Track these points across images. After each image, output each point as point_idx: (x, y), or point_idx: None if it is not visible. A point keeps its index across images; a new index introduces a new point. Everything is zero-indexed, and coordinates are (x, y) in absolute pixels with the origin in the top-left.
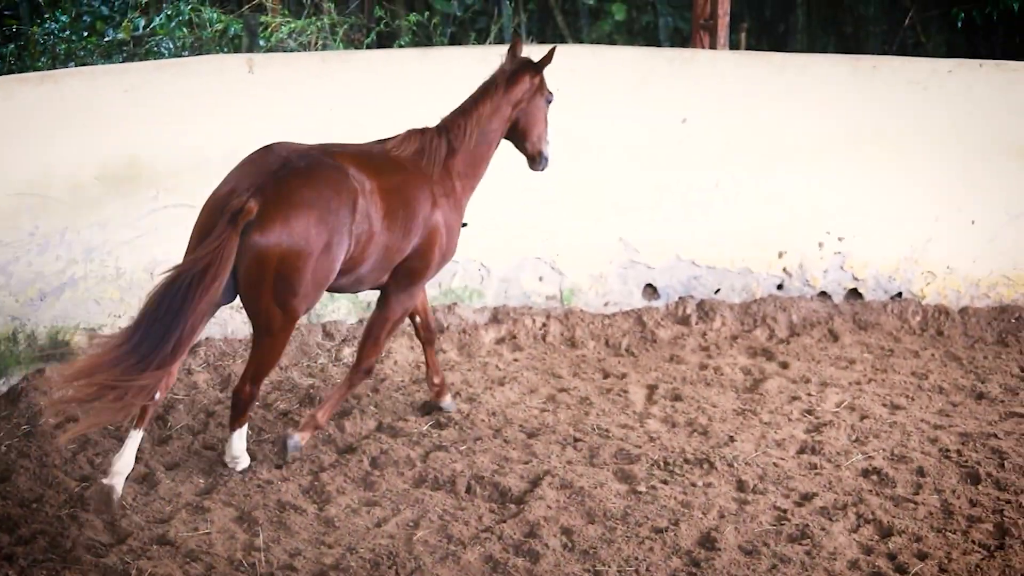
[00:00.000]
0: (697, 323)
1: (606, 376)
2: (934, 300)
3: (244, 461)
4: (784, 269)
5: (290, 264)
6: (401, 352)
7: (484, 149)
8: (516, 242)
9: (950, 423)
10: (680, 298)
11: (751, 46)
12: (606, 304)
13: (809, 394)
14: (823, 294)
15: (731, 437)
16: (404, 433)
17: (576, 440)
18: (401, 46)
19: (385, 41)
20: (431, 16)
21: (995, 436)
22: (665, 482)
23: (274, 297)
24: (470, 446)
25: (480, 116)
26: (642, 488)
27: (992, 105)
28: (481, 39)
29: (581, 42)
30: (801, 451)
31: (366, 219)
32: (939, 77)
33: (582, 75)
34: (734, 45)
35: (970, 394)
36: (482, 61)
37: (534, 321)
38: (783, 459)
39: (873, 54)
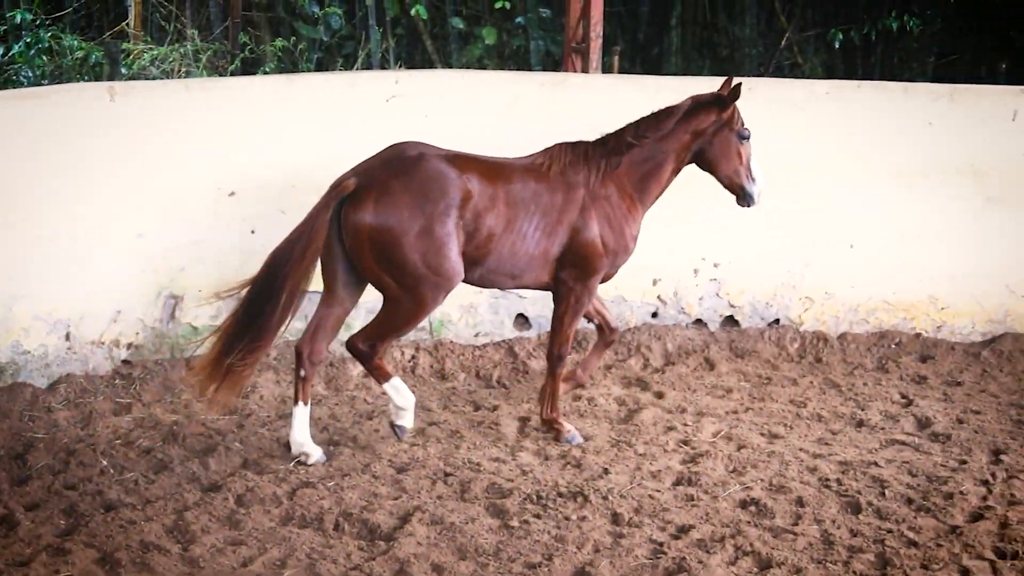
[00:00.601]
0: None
1: (477, 408)
2: (812, 326)
3: (408, 420)
4: (659, 297)
5: (382, 240)
6: (267, 387)
7: (654, 168)
8: None
9: (830, 451)
10: None
11: (624, 69)
12: (476, 335)
13: (685, 424)
14: (699, 322)
15: (605, 469)
16: (270, 470)
17: (447, 475)
18: (266, 72)
19: (250, 68)
20: (297, 42)
21: (876, 464)
22: (538, 516)
23: (383, 270)
24: (338, 482)
25: (641, 138)
26: (515, 523)
27: (871, 126)
28: (349, 65)
29: (451, 67)
30: (677, 482)
31: (479, 219)
32: (816, 99)
33: (451, 101)
34: (607, 68)
35: (850, 421)
36: (350, 87)
37: (403, 353)
38: (659, 491)
39: (749, 76)
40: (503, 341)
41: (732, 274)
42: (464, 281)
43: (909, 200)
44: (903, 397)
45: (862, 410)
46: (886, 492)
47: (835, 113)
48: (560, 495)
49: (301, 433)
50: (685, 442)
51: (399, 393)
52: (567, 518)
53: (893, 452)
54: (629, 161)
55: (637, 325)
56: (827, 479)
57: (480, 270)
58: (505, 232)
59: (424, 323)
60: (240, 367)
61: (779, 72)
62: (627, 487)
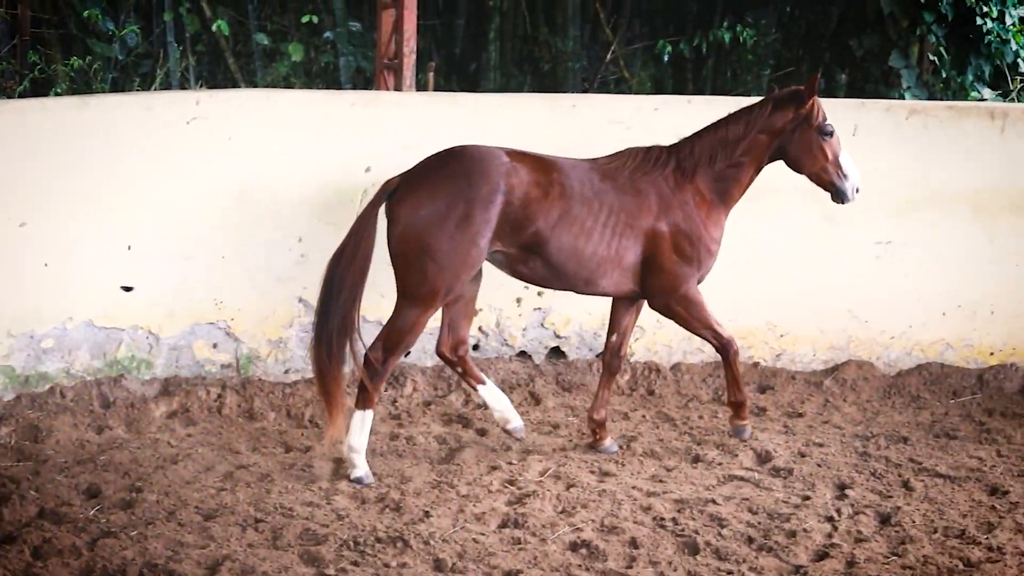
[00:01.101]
0: (387, 389)
1: (288, 450)
2: (644, 357)
3: (359, 464)
4: (480, 328)
5: (420, 233)
6: (63, 430)
7: (732, 171)
8: (186, 306)
9: (664, 489)
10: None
11: (440, 86)
12: (287, 372)
13: (510, 463)
14: (523, 354)
15: (426, 512)
16: (69, 519)
17: (257, 521)
18: (58, 94)
19: (40, 89)
20: (91, 61)
21: (713, 501)
22: (356, 563)
23: (412, 266)
24: (141, 531)
25: (722, 139)
26: (331, 571)
27: None
28: (146, 85)
29: (255, 86)
30: (503, 525)
31: (528, 207)
32: (644, 115)
33: (256, 122)
34: (422, 85)
35: (685, 457)
36: (148, 109)
37: (208, 392)
38: (484, 534)
39: (574, 92)
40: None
41: (557, 303)
42: (531, 282)
43: (745, 221)
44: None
45: (698, 445)
46: (725, 531)
47: (665, 130)
48: (379, 540)
49: (506, 408)
50: (511, 482)
51: (361, 427)
52: (386, 565)
53: (732, 488)
54: (710, 163)
55: None
56: (662, 518)
57: (540, 265)
58: (562, 224)
59: (231, 360)
60: (327, 383)
61: (605, 87)
62: (450, 531)
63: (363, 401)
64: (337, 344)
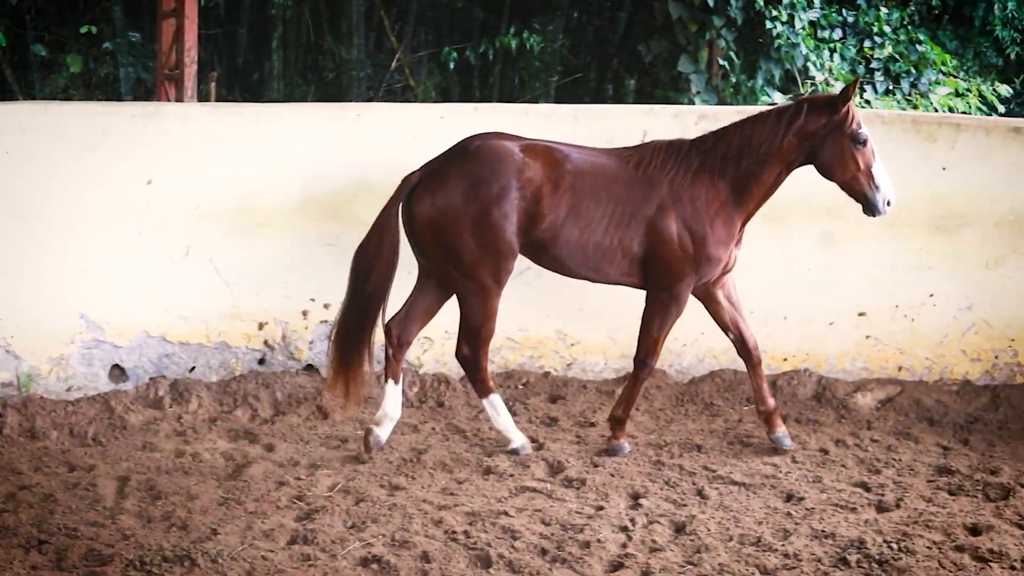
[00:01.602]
0: (171, 406)
1: (72, 469)
2: (433, 368)
3: (514, 435)
4: (266, 342)
5: (441, 226)
6: None
7: (756, 170)
8: None
9: (456, 502)
10: (151, 379)
11: (223, 96)
12: (69, 389)
13: (298, 478)
14: (310, 367)
15: (214, 530)
16: None
17: (41, 543)
18: None
19: None
20: None
21: (506, 513)
22: None
23: (446, 259)
24: None
25: (749, 137)
26: None
27: None
28: None
29: (33, 98)
30: (292, 541)
31: (541, 200)
32: (430, 123)
33: (33, 136)
34: (204, 96)
35: (476, 469)
36: None
37: None
38: (272, 551)
39: (359, 101)
40: (98, 395)
41: None
42: (548, 268)
43: None
44: (533, 441)
45: (489, 456)
46: (518, 543)
47: (452, 138)
48: (165, 560)
49: (393, 407)
50: (299, 497)
51: (496, 412)
52: None
53: (524, 500)
54: (726, 163)
55: (243, 373)
56: (454, 532)
57: (552, 256)
58: (570, 217)
59: (11, 378)
60: (353, 367)
61: (390, 96)
62: (238, 548)
63: (483, 391)
64: (357, 337)
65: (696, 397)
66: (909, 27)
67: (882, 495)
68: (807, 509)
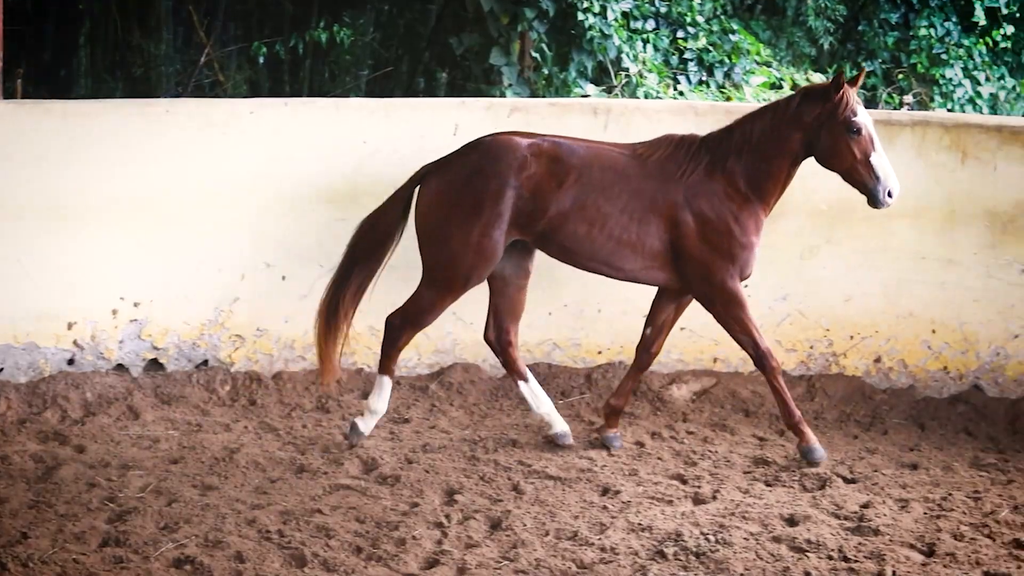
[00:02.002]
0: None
1: None
2: (245, 366)
3: (366, 425)
4: (75, 342)
5: (433, 215)
6: None
7: (764, 166)
8: None
9: (269, 501)
10: None
11: (29, 94)
12: None
13: (110, 479)
14: (120, 367)
15: (24, 533)
16: None
17: None
18: None
19: None
20: None
21: (320, 512)
22: None
23: (430, 248)
24: None
25: (748, 132)
26: None
27: (301, 145)
28: None
29: None
30: (104, 543)
31: (542, 195)
32: (240, 119)
33: None
34: (9, 94)
35: (290, 467)
36: None
37: None
38: (84, 554)
39: (168, 96)
40: None
41: (155, 313)
42: (561, 260)
43: (346, 224)
44: (346, 438)
45: (302, 454)
46: (332, 542)
47: (262, 134)
48: None
49: (546, 408)
50: (111, 499)
51: (379, 392)
52: None
53: (338, 498)
54: (741, 156)
55: (52, 374)
56: (268, 531)
57: (559, 248)
58: (576, 211)
59: None
60: (326, 342)
61: (200, 91)
62: (49, 552)
63: (382, 367)
64: (341, 308)
65: (511, 391)
66: (722, 17)
67: (699, 487)
68: (623, 502)
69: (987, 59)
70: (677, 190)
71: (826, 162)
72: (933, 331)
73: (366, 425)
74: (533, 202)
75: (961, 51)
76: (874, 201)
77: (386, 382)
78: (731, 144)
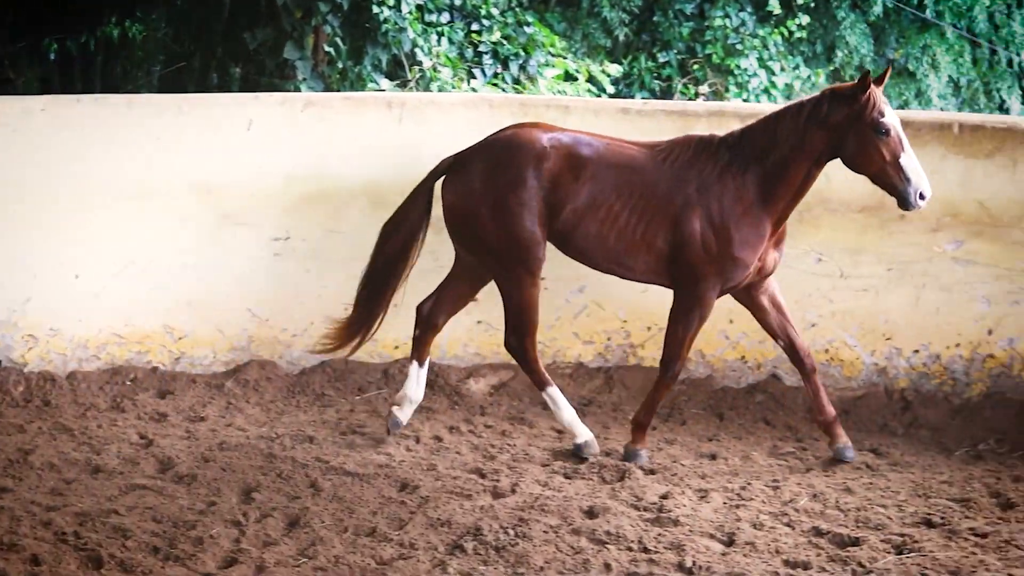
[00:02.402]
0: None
1: None
2: (38, 367)
3: (579, 430)
4: None
5: (461, 215)
6: None
7: (781, 168)
8: None
9: (65, 502)
10: None
11: None
12: None
13: None
14: None
15: None
16: None
17: None
18: None
19: None
20: None
21: (116, 512)
22: None
23: (477, 247)
24: None
25: (773, 132)
26: None
27: (93, 142)
28: None
29: None
30: None
31: (559, 189)
32: (31, 116)
33: None
34: None
35: (85, 468)
36: None
37: None
38: None
39: None
40: None
41: None
42: (577, 260)
43: (139, 223)
44: (142, 438)
45: (98, 455)
46: (129, 542)
47: (54, 132)
48: None
49: (414, 390)
50: None
51: (556, 405)
52: None
53: (134, 498)
54: (760, 158)
55: None
56: (63, 533)
57: (574, 248)
58: (590, 208)
59: None
60: (358, 331)
61: None
62: None
63: (539, 385)
64: (367, 308)
65: (307, 388)
66: (517, 10)
67: (497, 481)
68: (422, 497)
69: (782, 49)
70: (688, 192)
71: (854, 165)
72: (731, 321)
73: (581, 431)
74: (553, 194)
75: (756, 41)
76: (905, 203)
77: (553, 393)
78: (752, 145)
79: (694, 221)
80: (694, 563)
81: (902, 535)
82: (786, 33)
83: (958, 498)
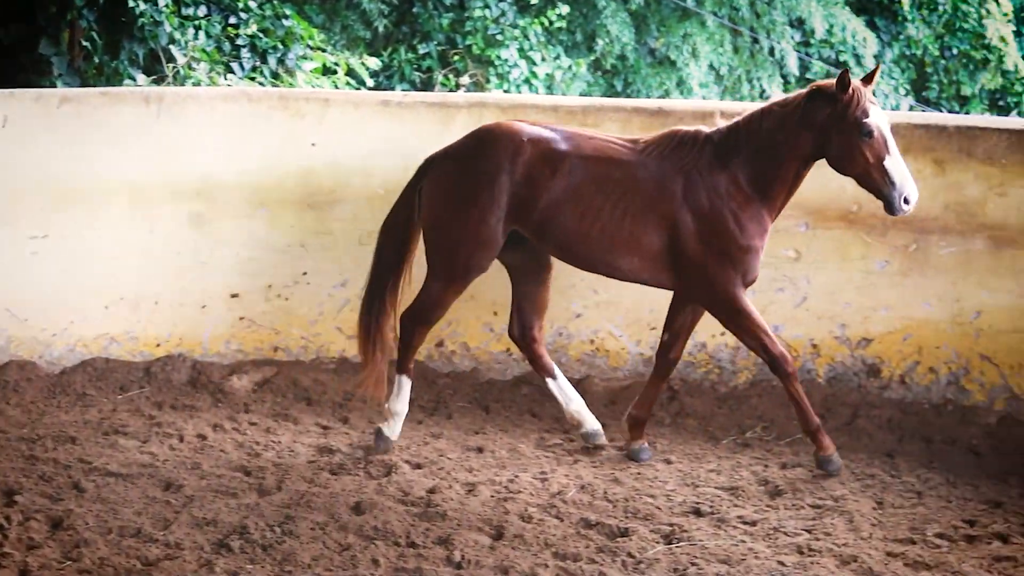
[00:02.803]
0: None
1: None
2: None
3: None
4: None
5: (433, 203)
6: None
7: (769, 165)
8: None
9: None
10: None
11: None
12: None
13: None
14: None
15: None
16: None
17: None
18: None
19: None
20: None
21: None
22: None
23: (432, 237)
24: None
25: (755, 130)
26: None
27: None
28: None
29: None
30: None
31: (534, 184)
32: None
33: None
34: None
35: None
36: None
37: None
38: None
39: None
40: None
41: None
42: (563, 260)
43: None
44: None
45: None
46: None
47: None
48: None
49: (567, 404)
50: None
51: (397, 392)
52: None
53: None
54: (746, 154)
55: None
56: None
57: (555, 245)
58: (568, 203)
59: None
60: (371, 351)
61: None
62: None
63: (400, 367)
64: (374, 310)
65: (68, 388)
66: (275, 3)
67: (263, 478)
68: (187, 497)
69: (542, 39)
70: (677, 188)
71: (838, 166)
72: (495, 313)
73: (392, 429)
74: (527, 189)
75: (516, 32)
76: (889, 208)
77: (405, 382)
78: (738, 142)
79: (685, 217)
80: (463, 557)
81: (671, 525)
82: (546, 23)
83: (726, 486)
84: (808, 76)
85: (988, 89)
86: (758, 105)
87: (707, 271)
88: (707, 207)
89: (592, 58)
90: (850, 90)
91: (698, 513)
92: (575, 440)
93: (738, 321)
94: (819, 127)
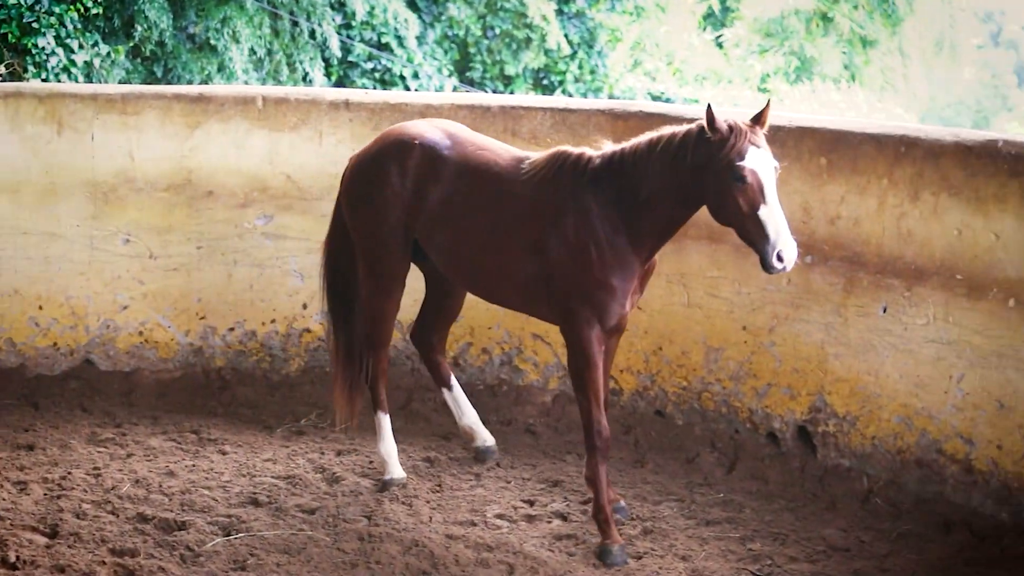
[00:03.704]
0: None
1: None
2: None
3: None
4: None
5: (346, 208)
6: None
7: (645, 204)
8: None
9: None
10: None
11: None
12: None
13: None
14: None
15: None
16: None
17: None
18: None
19: None
20: None
21: None
22: None
23: (356, 245)
24: None
25: (632, 161)
26: None
27: None
28: None
29: None
30: None
31: (422, 189)
32: None
33: None
34: None
35: None
36: None
37: None
38: None
39: None
40: None
41: None
42: (455, 281)
43: None
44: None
45: None
46: None
47: None
48: None
49: (461, 415)
50: None
51: (380, 433)
52: None
53: None
54: (620, 186)
55: None
56: None
57: (441, 263)
58: (443, 217)
59: None
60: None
61: None
62: None
63: (375, 404)
64: (335, 333)
65: None
66: None
67: None
68: None
69: (79, 26)
70: (548, 216)
71: (712, 212)
72: (40, 307)
73: (393, 469)
74: (414, 195)
75: (52, 19)
76: (763, 263)
77: (383, 419)
78: (613, 171)
79: (552, 250)
80: (18, 557)
81: (229, 516)
82: (82, 10)
83: (283, 475)
84: (351, 59)
85: (532, 68)
86: (648, 135)
87: (563, 309)
88: (572, 235)
89: (131, 45)
90: (725, 128)
91: (256, 503)
92: (127, 434)
93: (577, 365)
94: (694, 167)
